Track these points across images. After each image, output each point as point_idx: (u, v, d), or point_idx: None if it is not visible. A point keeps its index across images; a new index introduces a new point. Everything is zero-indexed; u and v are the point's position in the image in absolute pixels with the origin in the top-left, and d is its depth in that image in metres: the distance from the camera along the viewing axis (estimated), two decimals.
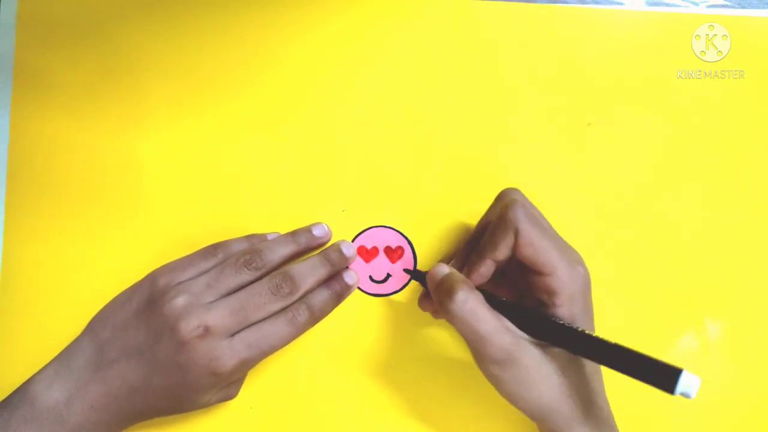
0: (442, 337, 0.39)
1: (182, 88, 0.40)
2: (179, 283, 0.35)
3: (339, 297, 0.37)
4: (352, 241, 0.40)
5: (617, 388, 0.39)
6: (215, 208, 0.40)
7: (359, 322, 0.39)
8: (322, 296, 0.36)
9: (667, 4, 0.42)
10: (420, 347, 0.39)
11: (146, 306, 0.35)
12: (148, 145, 0.40)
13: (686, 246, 0.40)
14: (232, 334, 0.33)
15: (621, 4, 0.42)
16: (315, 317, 0.36)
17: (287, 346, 0.39)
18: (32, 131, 0.40)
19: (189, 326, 0.32)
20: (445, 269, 0.34)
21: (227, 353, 0.33)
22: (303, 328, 0.35)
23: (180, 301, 0.33)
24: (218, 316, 0.33)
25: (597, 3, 0.42)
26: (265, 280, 0.35)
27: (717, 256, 0.40)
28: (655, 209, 0.40)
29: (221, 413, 0.38)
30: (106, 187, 0.39)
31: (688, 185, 0.41)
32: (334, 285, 0.37)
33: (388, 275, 0.39)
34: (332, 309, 0.37)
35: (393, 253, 0.40)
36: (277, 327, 0.34)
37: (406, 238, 0.40)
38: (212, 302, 0.34)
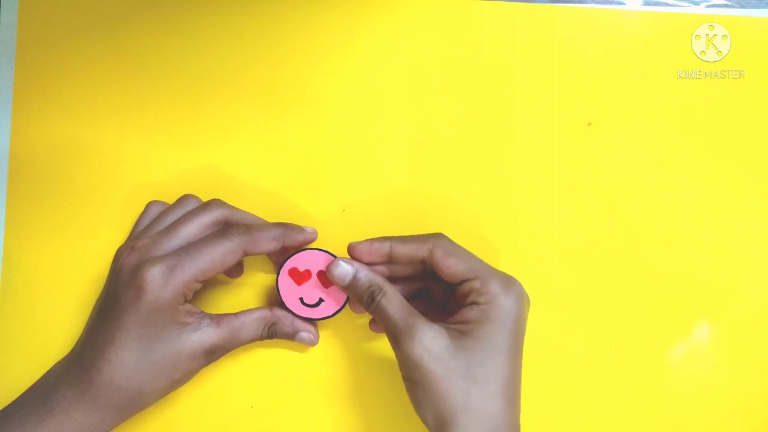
0: None
1: (183, 88, 0.40)
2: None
3: (285, 231, 0.36)
4: (285, 262, 0.36)
5: (614, 389, 0.39)
6: None
7: (355, 325, 0.39)
8: (265, 224, 0.36)
9: (667, 4, 0.42)
10: None
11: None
12: (149, 144, 0.40)
13: (685, 246, 0.40)
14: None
15: (621, 4, 0.42)
16: (251, 234, 0.34)
17: (289, 350, 0.39)
18: (33, 131, 0.40)
19: (123, 256, 0.33)
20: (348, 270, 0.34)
21: (155, 263, 0.32)
22: (237, 243, 0.33)
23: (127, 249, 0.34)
24: (147, 237, 0.34)
25: (597, 3, 0.42)
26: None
27: (716, 256, 0.40)
28: (654, 209, 0.40)
29: (221, 413, 0.38)
30: (107, 187, 0.39)
31: (688, 185, 0.41)
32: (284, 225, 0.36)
33: (321, 300, 0.37)
34: (273, 240, 0.35)
35: (327, 279, 0.36)
36: (209, 240, 0.33)
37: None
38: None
